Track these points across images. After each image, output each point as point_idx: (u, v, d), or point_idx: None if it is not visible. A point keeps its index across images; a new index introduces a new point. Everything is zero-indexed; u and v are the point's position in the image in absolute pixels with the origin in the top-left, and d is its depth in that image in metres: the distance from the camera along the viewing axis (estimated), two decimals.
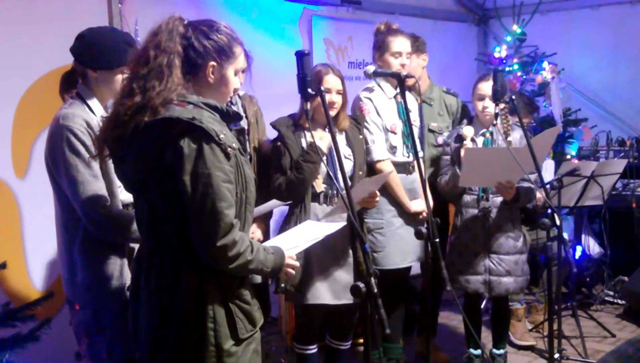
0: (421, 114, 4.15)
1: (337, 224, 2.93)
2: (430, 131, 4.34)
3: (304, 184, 3.45)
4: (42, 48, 3.83)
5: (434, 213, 3.62)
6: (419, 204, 3.90)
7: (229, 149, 2.07)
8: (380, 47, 3.94)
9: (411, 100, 3.92)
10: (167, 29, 2.11)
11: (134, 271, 2.30)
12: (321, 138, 3.42)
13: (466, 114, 4.43)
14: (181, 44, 2.12)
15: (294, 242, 2.55)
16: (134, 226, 2.49)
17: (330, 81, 3.49)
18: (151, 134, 2.06)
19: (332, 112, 3.49)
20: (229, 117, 2.23)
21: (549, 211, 3.34)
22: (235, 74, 2.25)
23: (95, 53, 2.63)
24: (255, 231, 3.67)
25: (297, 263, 2.40)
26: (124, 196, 2.66)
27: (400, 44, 3.89)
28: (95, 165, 2.54)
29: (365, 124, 3.83)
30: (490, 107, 3.90)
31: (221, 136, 2.05)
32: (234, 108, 3.51)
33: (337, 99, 3.51)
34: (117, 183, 2.59)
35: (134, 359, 2.33)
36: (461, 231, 4.01)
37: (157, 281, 2.16)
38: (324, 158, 3.43)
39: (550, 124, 5.74)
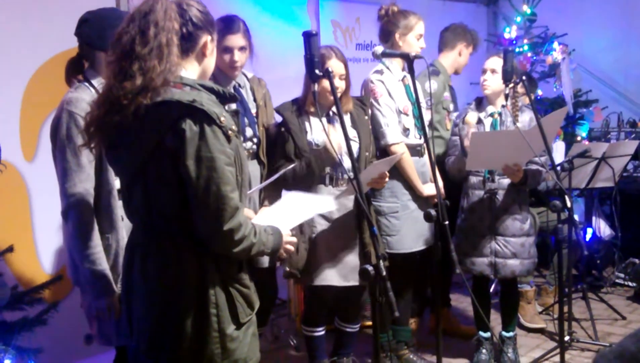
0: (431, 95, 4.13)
1: (326, 199, 2.89)
2: None
3: (312, 176, 3.43)
4: (48, 31, 3.81)
5: (448, 194, 3.64)
6: (431, 188, 3.87)
7: (230, 131, 2.04)
8: (405, 26, 3.89)
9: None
10: (161, 9, 2.02)
11: (126, 262, 2.23)
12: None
13: None
14: (178, 21, 2.05)
15: (285, 217, 2.49)
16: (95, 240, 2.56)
17: (334, 66, 3.41)
18: (151, 118, 1.99)
19: None
20: (225, 99, 2.19)
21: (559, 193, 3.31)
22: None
23: (108, 36, 2.60)
24: None
25: (294, 239, 2.39)
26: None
27: (422, 27, 3.93)
28: (86, 154, 2.52)
29: (378, 107, 3.79)
30: (489, 80, 3.88)
31: (222, 118, 2.01)
32: (242, 91, 3.51)
33: (340, 85, 3.46)
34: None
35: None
36: (467, 213, 3.99)
37: (156, 269, 2.10)
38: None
39: (561, 105, 5.69)
